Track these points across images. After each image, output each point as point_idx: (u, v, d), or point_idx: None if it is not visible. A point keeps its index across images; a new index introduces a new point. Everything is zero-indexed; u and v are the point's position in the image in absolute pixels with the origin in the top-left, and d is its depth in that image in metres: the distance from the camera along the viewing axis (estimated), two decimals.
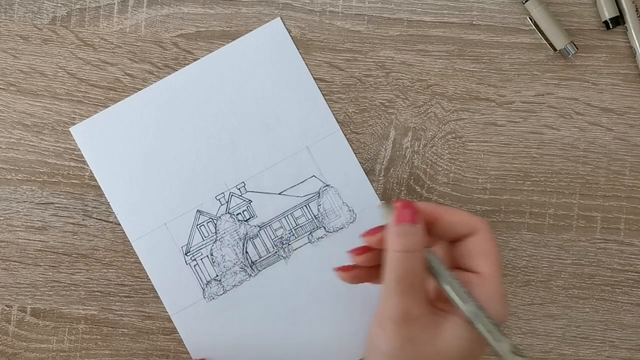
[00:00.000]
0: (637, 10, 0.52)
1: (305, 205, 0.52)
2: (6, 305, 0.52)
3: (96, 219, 0.52)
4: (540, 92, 0.53)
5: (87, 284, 0.52)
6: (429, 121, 0.53)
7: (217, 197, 0.52)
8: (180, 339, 0.52)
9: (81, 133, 0.52)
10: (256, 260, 0.52)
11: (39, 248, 0.52)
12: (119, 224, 0.52)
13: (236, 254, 0.52)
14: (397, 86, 0.53)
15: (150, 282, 0.52)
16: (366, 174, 0.52)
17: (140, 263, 0.52)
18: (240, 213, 0.52)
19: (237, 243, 0.52)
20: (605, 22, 0.52)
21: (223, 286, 0.51)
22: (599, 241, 0.53)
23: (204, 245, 0.52)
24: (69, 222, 0.52)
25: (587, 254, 0.53)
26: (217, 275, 0.51)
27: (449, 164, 0.53)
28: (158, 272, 0.51)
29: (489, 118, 0.53)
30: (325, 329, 0.52)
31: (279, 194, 0.52)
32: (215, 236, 0.52)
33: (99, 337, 0.52)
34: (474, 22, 0.53)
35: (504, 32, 0.53)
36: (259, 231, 0.52)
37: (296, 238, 0.52)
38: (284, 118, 0.52)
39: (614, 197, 0.53)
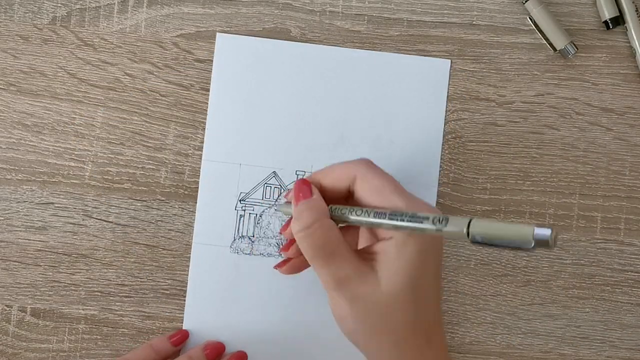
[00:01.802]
0: (637, 10, 0.52)
1: None
2: (6, 305, 0.52)
3: (96, 219, 0.52)
4: (540, 92, 0.53)
5: (87, 284, 0.52)
6: None
7: (297, 172, 0.52)
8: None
9: (223, 43, 0.52)
10: None
11: (39, 248, 0.52)
12: (119, 224, 0.52)
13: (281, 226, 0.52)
14: None
15: (150, 282, 0.52)
16: None
17: (140, 263, 0.52)
18: None
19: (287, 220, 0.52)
20: (605, 22, 0.52)
21: (252, 248, 0.52)
22: (599, 241, 0.53)
23: (259, 204, 0.52)
24: (69, 222, 0.52)
25: (587, 254, 0.53)
26: (254, 236, 0.52)
27: (449, 164, 0.53)
28: (207, 200, 0.52)
29: (489, 118, 0.53)
30: (321, 326, 0.51)
31: None
32: (274, 203, 0.52)
33: (99, 337, 0.52)
34: (474, 22, 0.53)
35: (504, 32, 0.53)
36: None
37: None
38: (397, 147, 0.52)
39: (614, 197, 0.53)
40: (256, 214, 0.52)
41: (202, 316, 0.51)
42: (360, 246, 0.46)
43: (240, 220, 0.52)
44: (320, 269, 0.42)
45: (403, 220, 0.40)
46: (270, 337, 0.51)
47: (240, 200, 0.52)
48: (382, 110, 0.52)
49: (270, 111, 0.52)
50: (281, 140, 0.52)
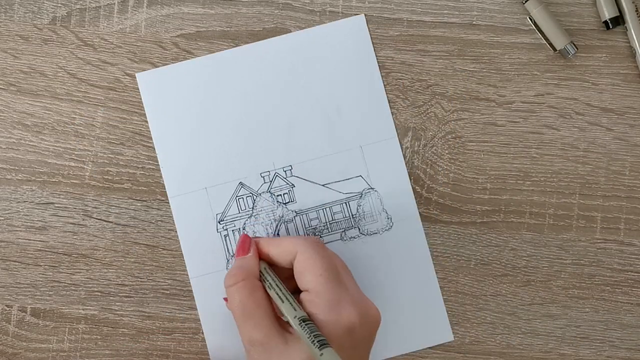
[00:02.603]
0: (637, 10, 0.52)
1: (345, 203, 0.52)
2: (6, 305, 0.52)
3: (96, 219, 0.52)
4: (540, 92, 0.53)
5: (87, 284, 0.52)
6: (429, 121, 0.53)
7: (262, 174, 0.52)
8: (181, 338, 0.52)
9: (145, 81, 0.52)
10: None
11: (39, 248, 0.52)
12: (119, 224, 0.52)
13: (267, 233, 0.52)
14: (397, 86, 0.53)
15: (150, 282, 0.52)
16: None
17: (140, 263, 0.52)
18: (280, 195, 0.52)
19: (271, 223, 0.52)
20: (605, 22, 0.52)
21: None
22: (599, 241, 0.53)
23: (239, 218, 0.52)
24: (69, 222, 0.52)
25: (587, 254, 0.53)
26: None
27: (449, 164, 0.53)
28: (188, 233, 0.52)
29: (489, 118, 0.53)
30: None
31: (323, 185, 0.52)
32: (251, 211, 0.52)
33: (99, 337, 0.52)
34: (474, 22, 0.53)
35: (504, 32, 0.53)
36: (294, 217, 0.52)
37: (329, 232, 0.52)
38: (345, 113, 0.52)
39: (614, 197, 0.53)
40: (239, 228, 0.52)
41: (225, 347, 0.51)
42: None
43: (225, 240, 0.52)
44: (238, 324, 0.44)
45: (299, 324, 0.42)
46: None
47: (219, 222, 0.52)
48: (320, 85, 0.52)
49: (214, 127, 0.52)
50: (236, 151, 0.52)
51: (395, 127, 0.52)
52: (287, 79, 0.52)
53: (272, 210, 0.52)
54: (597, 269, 0.52)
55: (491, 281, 0.52)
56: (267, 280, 0.45)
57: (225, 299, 0.46)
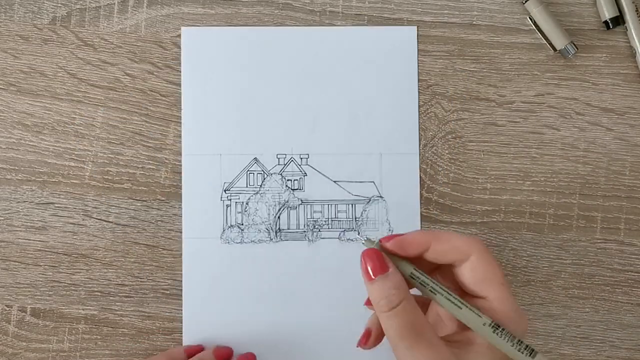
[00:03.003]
0: (637, 10, 0.52)
1: (351, 204, 0.52)
2: (6, 305, 0.52)
3: (96, 219, 0.52)
4: (540, 92, 0.53)
5: (87, 284, 0.52)
6: (429, 121, 0.53)
7: (278, 156, 0.52)
8: (181, 338, 0.52)
9: (189, 37, 0.52)
10: (283, 229, 0.52)
11: (39, 248, 0.52)
12: (119, 224, 0.52)
13: (269, 214, 0.52)
14: None
15: (150, 282, 0.52)
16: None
17: (140, 263, 0.52)
18: (291, 180, 0.52)
19: (275, 205, 0.52)
20: (605, 22, 0.52)
21: (242, 236, 0.52)
22: (599, 241, 0.53)
23: (244, 192, 0.52)
24: (69, 222, 0.52)
25: (587, 254, 0.52)
26: (242, 224, 0.52)
27: (449, 164, 0.53)
28: (192, 194, 0.52)
29: (489, 118, 0.53)
30: (317, 320, 0.51)
31: (334, 181, 0.52)
32: (258, 189, 0.52)
33: (99, 337, 0.52)
34: (474, 22, 0.53)
35: (504, 32, 0.53)
36: (299, 205, 0.52)
37: (329, 229, 0.52)
38: (374, 117, 0.52)
39: (614, 197, 0.53)
40: (242, 202, 0.52)
41: (201, 311, 0.51)
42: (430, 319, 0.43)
43: (227, 210, 0.52)
44: (403, 352, 0.38)
45: (502, 337, 0.38)
46: (270, 328, 0.51)
47: (225, 190, 0.52)
48: (356, 83, 0.52)
49: (243, 98, 0.52)
50: (258, 126, 0.52)
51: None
52: (324, 70, 0.52)
53: (278, 193, 0.52)
54: (597, 269, 0.52)
55: None
56: (428, 285, 0.39)
57: (364, 339, 0.42)
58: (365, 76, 0.52)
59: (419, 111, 0.52)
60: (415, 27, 0.53)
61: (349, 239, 0.52)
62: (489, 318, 0.38)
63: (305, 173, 0.52)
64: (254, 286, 0.52)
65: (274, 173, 0.52)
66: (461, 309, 0.38)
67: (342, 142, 0.52)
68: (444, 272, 0.42)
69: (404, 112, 0.52)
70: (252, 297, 0.52)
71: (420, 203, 0.52)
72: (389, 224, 0.52)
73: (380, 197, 0.52)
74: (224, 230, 0.52)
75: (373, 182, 0.52)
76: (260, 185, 0.52)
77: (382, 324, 0.39)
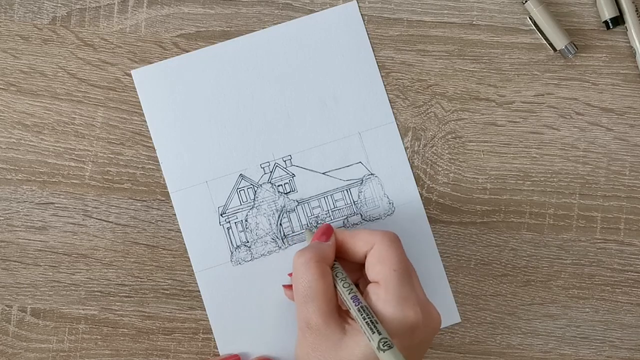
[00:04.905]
0: (637, 10, 0.52)
1: (346, 190, 0.52)
2: (6, 305, 0.52)
3: (96, 219, 0.52)
4: (540, 92, 0.53)
5: (87, 284, 0.52)
6: (429, 121, 0.53)
7: (262, 165, 0.52)
8: (181, 338, 0.52)
9: (141, 77, 0.52)
10: (288, 234, 0.52)
11: (39, 248, 0.52)
12: (119, 224, 0.52)
13: (270, 224, 0.52)
14: (397, 86, 0.53)
15: (150, 282, 0.52)
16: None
17: (140, 263, 0.52)
18: (281, 185, 0.52)
19: (273, 214, 0.52)
20: (605, 22, 0.52)
21: (251, 253, 0.52)
22: (599, 241, 0.53)
23: (240, 210, 0.52)
24: (69, 222, 0.52)
25: (587, 254, 0.53)
26: (248, 242, 0.52)
27: (449, 164, 0.53)
28: (191, 227, 0.52)
29: (489, 118, 0.53)
30: None
31: (323, 173, 0.52)
32: (253, 203, 0.52)
33: (99, 337, 0.52)
34: (474, 22, 0.53)
35: (504, 32, 0.53)
36: (296, 206, 0.52)
37: (332, 220, 0.52)
38: (342, 100, 0.52)
39: (614, 197, 0.53)
40: (242, 220, 0.52)
41: (234, 339, 0.51)
42: None
43: (229, 232, 0.52)
44: (297, 305, 0.44)
45: (364, 318, 0.41)
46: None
47: (221, 214, 0.52)
48: (315, 73, 0.52)
49: (211, 121, 0.52)
50: (235, 143, 0.52)
51: (395, 118, 0.52)
52: (281, 69, 0.52)
53: (273, 201, 0.52)
54: (597, 269, 0.52)
55: (491, 281, 0.52)
56: (338, 272, 0.45)
57: (288, 286, 0.46)
58: (322, 63, 0.52)
59: (419, 110, 0.53)
60: (355, 1, 0.53)
61: (354, 224, 0.52)
62: (373, 314, 0.42)
63: (293, 174, 0.52)
64: (277, 298, 0.51)
65: (263, 183, 0.52)
66: (349, 294, 0.43)
67: (320, 133, 0.52)
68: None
69: (370, 86, 0.52)
70: (279, 309, 0.51)
71: (422, 203, 0.52)
72: (388, 197, 0.52)
73: (372, 174, 0.52)
74: (232, 253, 0.52)
75: (360, 162, 0.52)
76: (254, 199, 0.52)
77: (293, 272, 0.44)
